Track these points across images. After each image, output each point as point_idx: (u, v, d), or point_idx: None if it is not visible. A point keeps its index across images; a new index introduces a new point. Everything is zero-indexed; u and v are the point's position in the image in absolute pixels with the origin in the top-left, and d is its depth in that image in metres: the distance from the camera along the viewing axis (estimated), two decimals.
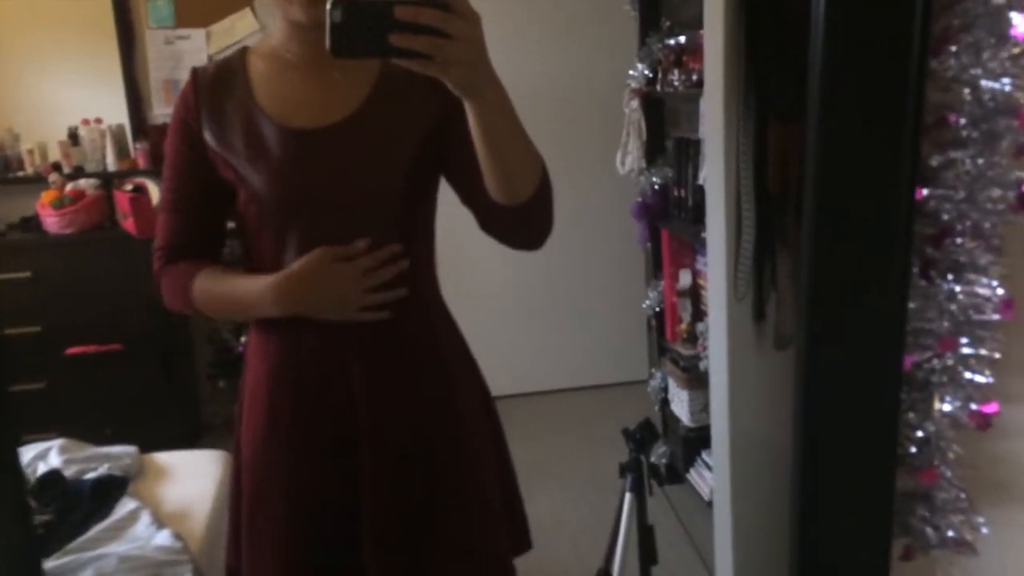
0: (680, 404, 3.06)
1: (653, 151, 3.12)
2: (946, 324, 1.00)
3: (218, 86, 1.25)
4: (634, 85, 3.05)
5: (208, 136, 1.23)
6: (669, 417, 3.20)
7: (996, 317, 0.99)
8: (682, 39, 2.87)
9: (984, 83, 0.93)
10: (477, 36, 0.91)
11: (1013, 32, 0.94)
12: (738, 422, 2.15)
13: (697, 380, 2.92)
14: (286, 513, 1.28)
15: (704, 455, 2.99)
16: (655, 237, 3.18)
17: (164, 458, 2.22)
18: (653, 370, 3.26)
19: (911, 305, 0.99)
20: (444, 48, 0.88)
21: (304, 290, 1.21)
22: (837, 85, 0.90)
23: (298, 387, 1.27)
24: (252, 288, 1.23)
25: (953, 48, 0.94)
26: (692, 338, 2.98)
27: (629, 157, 3.08)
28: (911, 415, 1.03)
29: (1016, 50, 0.93)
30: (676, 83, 2.85)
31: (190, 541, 1.79)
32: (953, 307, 0.99)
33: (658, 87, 2.97)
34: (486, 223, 1.22)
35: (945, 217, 0.98)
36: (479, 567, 1.36)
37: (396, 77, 1.22)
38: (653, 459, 2.50)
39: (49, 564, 1.67)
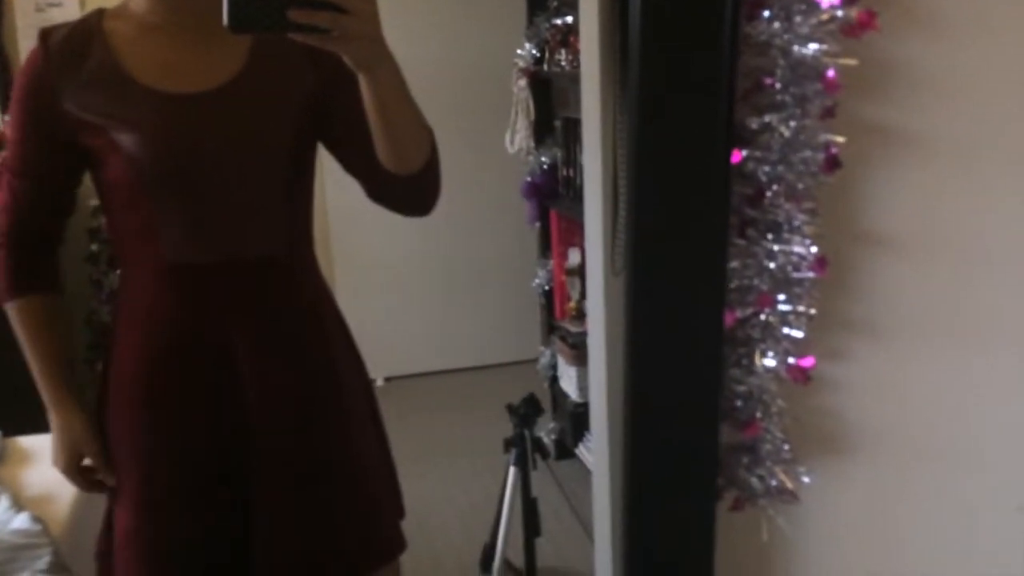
0: (568, 380, 3.11)
1: (542, 131, 3.15)
2: (765, 282, 1.05)
3: (74, 48, 1.20)
4: (522, 65, 3.07)
5: (68, 102, 1.19)
6: (558, 394, 3.25)
7: (811, 275, 1.05)
8: (569, 19, 2.89)
9: (795, 48, 0.99)
10: (373, 11, 0.93)
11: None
12: (616, 394, 2.20)
13: (585, 357, 2.96)
14: (168, 490, 1.26)
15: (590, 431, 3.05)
16: (544, 216, 3.21)
17: (28, 442, 2.13)
18: (543, 348, 3.30)
19: (732, 264, 1.04)
20: (343, 23, 0.90)
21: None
22: (655, 49, 0.93)
23: (177, 366, 1.25)
24: (49, 388, 1.32)
25: (766, 13, 0.99)
26: (580, 316, 3.03)
27: (518, 136, 3.10)
28: (735, 371, 1.09)
29: (824, 16, 0.99)
30: (563, 63, 2.88)
31: (52, 525, 1.72)
32: (771, 265, 1.04)
33: (545, 67, 2.99)
34: (375, 192, 1.24)
35: (762, 178, 1.03)
36: (370, 526, 1.37)
37: (271, 44, 1.20)
38: (541, 435, 2.53)
39: None
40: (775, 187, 1.03)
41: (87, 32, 1.21)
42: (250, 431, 1.26)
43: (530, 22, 3.08)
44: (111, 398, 1.30)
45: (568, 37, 2.89)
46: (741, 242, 1.05)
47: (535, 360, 3.35)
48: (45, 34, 1.22)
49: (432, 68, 3.77)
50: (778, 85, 1.01)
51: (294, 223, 1.30)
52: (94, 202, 3.64)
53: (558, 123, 3.12)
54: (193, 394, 1.25)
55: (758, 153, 1.02)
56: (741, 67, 1.00)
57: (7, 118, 1.29)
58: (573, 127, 2.95)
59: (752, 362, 1.07)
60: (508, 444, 2.39)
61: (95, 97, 1.18)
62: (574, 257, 3.09)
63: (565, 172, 3.05)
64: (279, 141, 1.23)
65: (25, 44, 3.53)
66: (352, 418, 1.37)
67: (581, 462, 3.10)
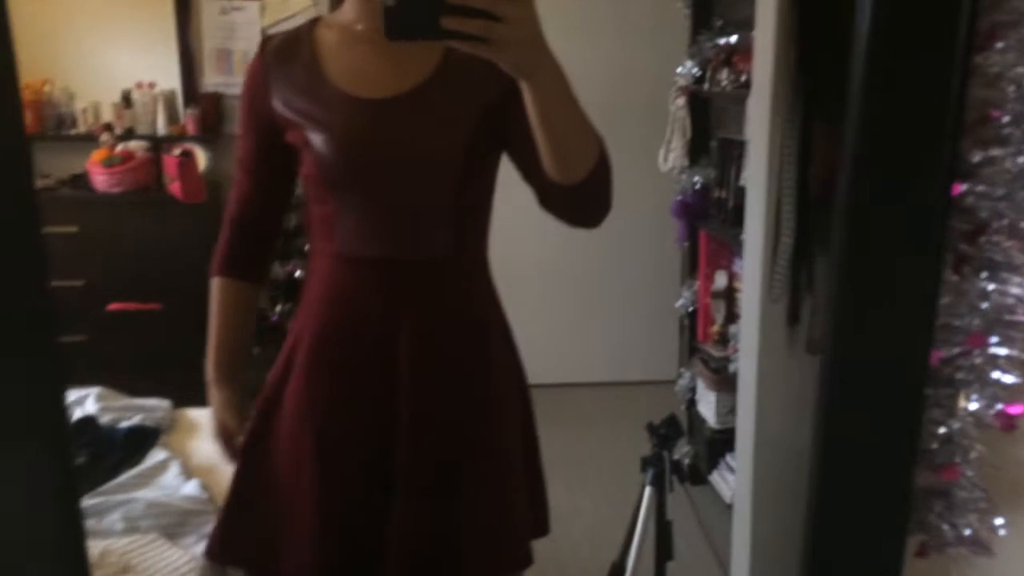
0: (707, 405, 3.05)
1: (697, 150, 3.12)
2: (976, 321, 1.00)
3: (285, 54, 1.31)
4: (681, 83, 3.05)
5: (276, 101, 1.30)
6: (695, 418, 3.20)
7: None
8: (733, 39, 2.86)
9: None
10: (529, 18, 0.92)
11: None
12: (764, 425, 2.14)
13: (725, 382, 2.91)
14: (320, 467, 1.31)
15: (728, 458, 2.99)
16: (693, 237, 3.18)
17: (196, 414, 2.27)
18: (682, 370, 3.26)
19: (943, 300, 0.99)
20: (496, 30, 0.89)
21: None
22: (879, 78, 0.91)
23: (345, 344, 1.31)
24: (215, 366, 1.48)
25: (999, 45, 0.94)
26: (723, 340, 2.98)
27: (672, 155, 3.08)
28: (936, 411, 1.03)
29: None
30: (724, 83, 2.84)
31: (216, 494, 1.83)
32: (985, 305, 0.99)
33: (706, 86, 2.96)
34: (545, 200, 1.23)
35: (982, 214, 0.97)
36: (499, 538, 1.37)
37: (462, 53, 1.24)
38: (676, 456, 2.50)
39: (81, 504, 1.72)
40: (995, 224, 0.98)
41: (299, 38, 1.32)
42: (399, 427, 1.30)
43: (693, 40, 3.06)
44: (289, 372, 1.37)
45: (731, 57, 2.85)
46: (954, 279, 1.00)
47: (672, 381, 3.31)
48: (265, 41, 1.34)
49: (591, 81, 3.78)
50: (1006, 118, 0.96)
51: (462, 228, 1.32)
52: None
53: (714, 143, 3.08)
54: (353, 382, 1.31)
55: (980, 188, 0.97)
56: (969, 98, 0.96)
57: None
58: (730, 148, 2.90)
59: (954, 404, 1.02)
60: (645, 463, 2.36)
61: (297, 97, 1.28)
62: (720, 280, 3.04)
63: (718, 193, 3.01)
64: (453, 148, 1.26)
65: (210, 45, 3.78)
66: (501, 427, 1.38)
67: (714, 489, 3.04)
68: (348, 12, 1.30)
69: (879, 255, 0.96)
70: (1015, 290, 0.99)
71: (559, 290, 4.10)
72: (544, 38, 0.96)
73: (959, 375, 1.02)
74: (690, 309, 3.19)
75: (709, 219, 3.06)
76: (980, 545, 1.07)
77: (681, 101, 3.08)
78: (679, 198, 3.15)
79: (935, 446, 1.05)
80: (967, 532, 1.06)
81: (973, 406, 1.03)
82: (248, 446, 1.39)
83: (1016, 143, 0.97)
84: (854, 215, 0.94)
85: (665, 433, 2.33)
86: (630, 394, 3.98)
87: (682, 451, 3.18)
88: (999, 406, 1.03)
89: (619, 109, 3.85)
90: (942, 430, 1.03)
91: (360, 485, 1.31)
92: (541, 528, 1.50)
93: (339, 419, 1.32)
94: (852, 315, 0.98)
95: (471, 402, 1.35)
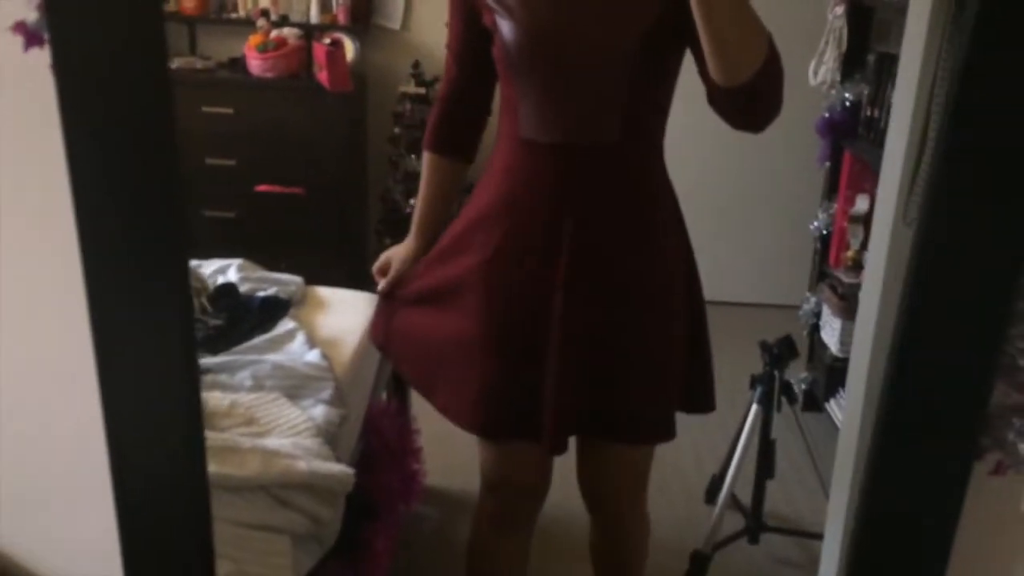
0: (831, 332, 2.96)
1: (851, 65, 2.93)
2: None
3: None
4: None
5: None
6: (817, 344, 3.11)
7: None
8: None
9: None
10: None
11: None
12: (880, 352, 2.06)
13: (853, 310, 2.79)
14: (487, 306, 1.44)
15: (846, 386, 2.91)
16: (837, 157, 3.02)
17: (325, 292, 2.41)
18: (808, 294, 3.16)
19: None
20: None
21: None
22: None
23: (516, 212, 1.42)
24: (414, 224, 1.63)
25: None
26: (857, 266, 2.86)
27: (823, 68, 2.91)
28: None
29: None
30: None
31: (335, 364, 1.95)
32: None
33: None
34: (712, 99, 1.25)
35: None
36: (647, 408, 1.48)
37: None
38: (792, 380, 2.46)
39: (216, 359, 1.89)
40: None
41: None
42: (562, 290, 1.39)
43: None
44: (460, 234, 1.51)
45: None
46: None
47: (798, 307, 3.21)
48: None
49: None
50: None
51: (635, 117, 1.37)
52: (402, 88, 3.91)
53: (872, 57, 2.88)
54: (521, 248, 1.42)
55: None
56: None
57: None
58: (888, 63, 2.71)
59: None
60: (754, 381, 2.35)
61: None
62: (862, 203, 2.89)
63: (869, 112, 2.84)
64: (629, 40, 1.30)
65: None
66: (667, 301, 1.47)
67: (830, 417, 2.98)
68: None
69: (978, 171, 0.91)
70: None
71: (691, 204, 4.01)
72: None
73: None
74: (824, 232, 3.06)
75: (856, 139, 2.90)
76: None
77: (840, 10, 2.88)
78: (825, 115, 2.99)
79: (1022, 364, 1.00)
80: None
81: None
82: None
83: None
84: (960, 131, 0.89)
85: (778, 352, 2.30)
86: (754, 316, 3.90)
87: (801, 376, 3.11)
88: None
89: (771, 14, 3.63)
90: None
91: (525, 328, 1.42)
92: (701, 402, 1.59)
93: (508, 272, 1.43)
94: (945, 220, 0.95)
95: (636, 280, 1.43)
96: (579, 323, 1.40)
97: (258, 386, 1.81)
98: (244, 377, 1.83)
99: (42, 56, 0.81)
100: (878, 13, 2.88)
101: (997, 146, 0.93)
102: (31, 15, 0.80)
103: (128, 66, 0.74)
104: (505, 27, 1.34)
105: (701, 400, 1.58)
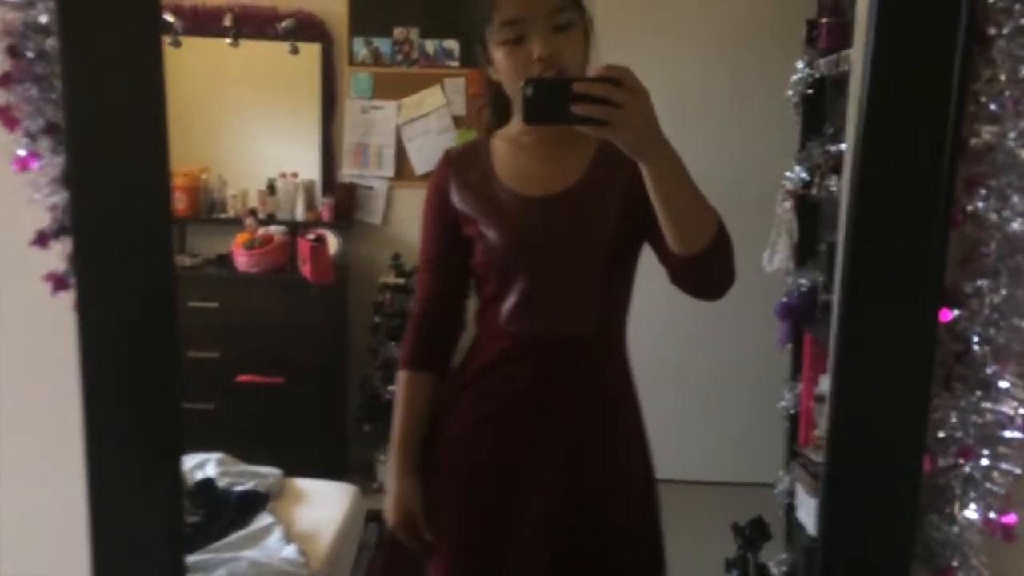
0: (806, 512, 2.97)
1: (804, 253, 3.13)
2: (970, 436, 1.04)
3: (464, 160, 1.53)
4: (789, 187, 3.09)
5: (455, 199, 1.50)
6: (794, 524, 3.12)
7: (1020, 435, 1.04)
8: (843, 146, 2.89)
9: (1011, 225, 1.01)
10: (643, 104, 1.10)
11: None
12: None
13: None
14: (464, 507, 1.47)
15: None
16: (797, 339, 3.16)
17: (303, 483, 2.43)
18: (781, 473, 3.20)
19: (937, 415, 1.05)
20: (615, 115, 1.08)
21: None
22: (872, 216, 0.99)
23: (493, 404, 1.49)
24: (398, 454, 1.53)
25: (982, 191, 1.02)
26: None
27: (776, 256, 3.11)
28: (934, 516, 1.07)
29: None
30: (833, 188, 2.87)
31: (312, 560, 1.96)
32: (978, 420, 1.03)
33: (814, 191, 3.00)
34: (674, 276, 1.38)
35: (972, 338, 1.04)
36: None
37: (610, 152, 1.40)
38: (769, 563, 2.46)
39: (192, 559, 1.89)
40: (985, 348, 1.04)
41: (477, 149, 1.54)
42: (544, 498, 1.44)
43: (803, 146, 3.11)
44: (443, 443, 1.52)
45: (841, 164, 2.88)
46: (946, 395, 1.06)
47: (771, 485, 3.24)
48: (447, 153, 1.57)
49: (702, 178, 3.87)
50: (992, 256, 1.04)
51: (606, 310, 1.49)
52: (382, 279, 4.07)
53: (823, 247, 3.08)
54: (510, 445, 1.47)
55: (967, 314, 1.05)
56: (962, 236, 1.04)
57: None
58: (837, 253, 2.90)
59: (953, 511, 1.05)
60: (729, 565, 2.35)
61: (474, 196, 1.48)
62: (824, 384, 2.99)
63: (824, 296, 3.00)
64: (602, 237, 1.43)
65: (349, 139, 4.11)
66: (629, 515, 1.52)
67: None
68: (515, 126, 1.50)
69: (872, 372, 1.03)
70: (1004, 408, 1.04)
71: (661, 384, 4.08)
72: (657, 123, 1.14)
73: (955, 483, 1.06)
74: (792, 412, 3.15)
75: (814, 322, 3.04)
76: None
77: (788, 204, 3.11)
78: (784, 300, 3.15)
79: (937, 549, 1.08)
80: None
81: (971, 515, 1.06)
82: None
83: (1001, 277, 1.04)
84: (851, 333, 1.01)
85: (750, 535, 2.33)
86: (726, 495, 3.90)
87: (780, 558, 3.09)
88: (992, 515, 1.05)
89: (729, 207, 3.85)
90: (940, 535, 1.06)
91: (494, 536, 1.46)
92: None
93: (483, 479, 1.47)
94: (848, 425, 1.05)
95: (604, 485, 1.49)
96: (550, 537, 1.45)
97: None
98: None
99: (66, 298, 0.94)
100: (824, 207, 3.11)
101: (884, 359, 1.03)
102: (61, 266, 0.93)
103: (141, 310, 0.85)
104: (491, 233, 1.44)
105: None
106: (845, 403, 1.05)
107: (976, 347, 1.03)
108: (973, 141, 1.05)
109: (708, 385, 4.10)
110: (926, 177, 0.98)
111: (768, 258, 3.12)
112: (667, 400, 4.12)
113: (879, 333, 1.01)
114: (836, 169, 2.89)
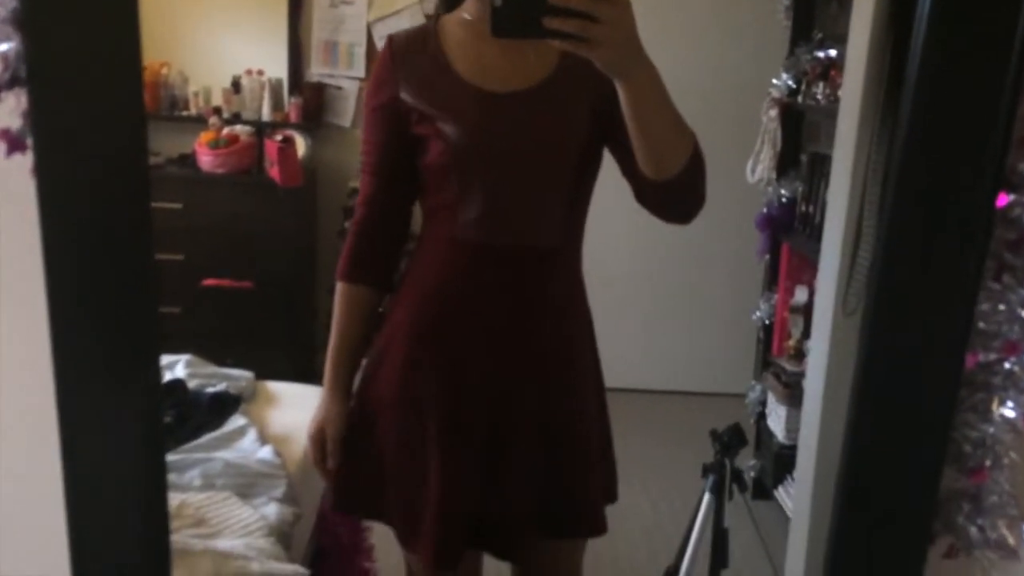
0: (777, 419, 3.02)
1: (786, 163, 3.08)
2: (1015, 330, 1.00)
3: (412, 48, 1.37)
4: (775, 94, 3.02)
5: (405, 93, 1.35)
6: (764, 432, 3.17)
7: None
8: (832, 52, 2.82)
9: None
10: (625, 19, 0.99)
11: None
12: (828, 438, 2.12)
13: (797, 397, 2.87)
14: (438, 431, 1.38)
15: (794, 474, 2.95)
16: (775, 250, 3.15)
17: (275, 387, 2.38)
18: (753, 382, 3.23)
19: (983, 307, 1.00)
20: (593, 30, 0.97)
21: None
22: (931, 90, 0.92)
23: (448, 326, 1.38)
24: (331, 369, 1.45)
25: None
26: (799, 355, 2.94)
27: (760, 167, 3.06)
28: (970, 415, 1.04)
29: None
30: (819, 96, 2.81)
31: (288, 461, 1.93)
32: (1023, 313, 0.99)
33: (800, 99, 2.93)
34: (640, 195, 1.30)
35: None
36: (583, 504, 1.47)
37: (577, 55, 1.31)
38: (740, 467, 2.49)
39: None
40: None
41: (424, 34, 1.39)
42: (498, 394, 1.38)
43: (791, 52, 3.03)
44: (385, 350, 1.43)
45: (829, 71, 2.81)
46: (996, 286, 1.01)
47: (743, 395, 3.28)
48: (390, 38, 1.40)
49: (686, 87, 3.78)
50: None
51: (571, 219, 1.41)
52: (351, 183, 3.98)
53: (804, 157, 3.04)
54: (457, 352, 1.38)
55: None
56: (1019, 114, 0.96)
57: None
58: (820, 163, 2.87)
59: (989, 409, 1.02)
60: (706, 470, 2.37)
61: (428, 89, 1.34)
62: (801, 295, 3.00)
63: (804, 207, 2.97)
64: (573, 142, 1.34)
65: (318, 36, 3.93)
66: (584, 405, 1.47)
67: (778, 505, 3.00)
68: (469, 9, 1.36)
69: (920, 259, 0.97)
70: None
71: (637, 295, 4.11)
72: (639, 40, 1.03)
73: (995, 380, 1.03)
74: (767, 322, 3.16)
75: (793, 233, 3.02)
76: (1008, 550, 1.07)
77: (774, 112, 3.05)
78: (764, 211, 3.12)
79: (968, 449, 1.05)
80: (994, 536, 1.06)
81: (1009, 413, 1.03)
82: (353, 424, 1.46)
83: None
84: (898, 218, 0.96)
85: (728, 441, 2.33)
86: (701, 404, 3.96)
87: (749, 464, 3.15)
88: None
89: (711, 117, 3.81)
90: (975, 434, 1.03)
91: (466, 456, 1.39)
92: (611, 494, 1.58)
93: (444, 403, 1.38)
94: (889, 315, 1.00)
95: (558, 382, 1.43)
96: (516, 423, 1.40)
97: (208, 485, 1.77)
98: (194, 476, 1.79)
99: (24, 161, 0.83)
100: (808, 116, 3.05)
101: (933, 246, 0.99)
102: (16, 123, 0.82)
103: (108, 171, 0.77)
104: (450, 131, 1.31)
105: (613, 493, 1.60)
106: (887, 292, 0.99)
107: None
108: None
109: (684, 295, 4.10)
110: (993, 44, 0.90)
111: (752, 168, 3.07)
112: (642, 311, 4.14)
113: (930, 216, 0.95)
114: (824, 76, 2.83)
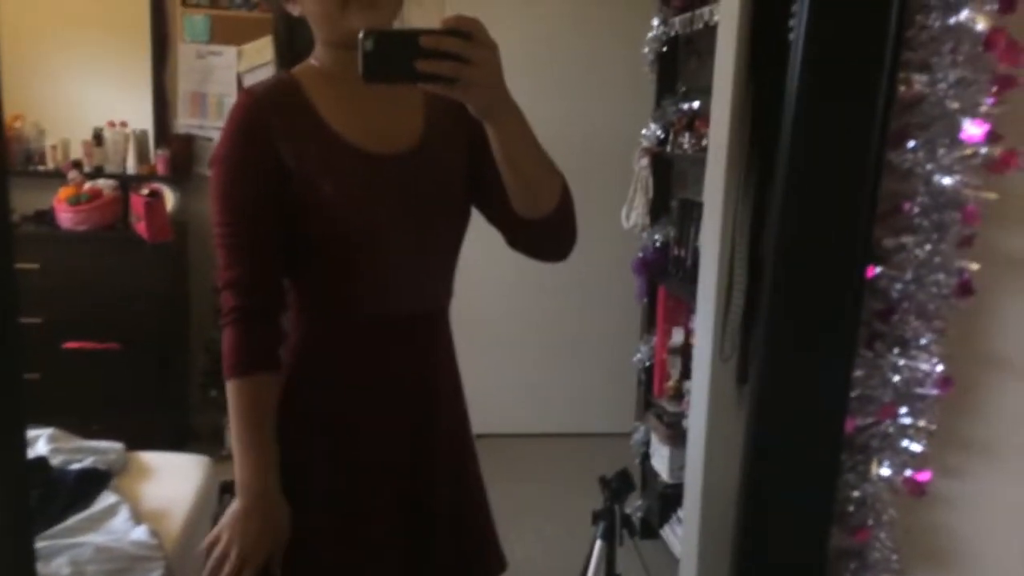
0: (660, 459, 3.09)
1: (658, 209, 3.20)
2: (888, 394, 1.07)
3: (279, 100, 1.23)
4: (645, 144, 3.14)
5: (282, 150, 1.21)
6: (648, 472, 3.23)
7: (935, 392, 1.07)
8: (696, 104, 2.96)
9: (936, 178, 1.02)
10: (494, 62, 1.00)
11: (963, 136, 1.02)
12: (711, 480, 2.19)
13: (679, 437, 2.95)
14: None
15: (680, 512, 3.02)
16: (652, 293, 3.25)
17: (149, 458, 2.26)
18: (637, 424, 3.30)
19: (857, 373, 1.07)
20: (465, 72, 0.97)
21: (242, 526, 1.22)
22: (803, 170, 0.99)
23: (364, 404, 1.31)
24: (256, 473, 1.23)
25: (911, 143, 1.03)
26: (679, 396, 3.03)
27: (634, 213, 3.16)
28: (850, 476, 1.10)
29: (968, 151, 1.02)
30: (686, 146, 2.94)
31: (165, 540, 1.83)
32: (896, 379, 1.07)
33: (668, 148, 3.06)
34: (514, 239, 1.30)
35: (894, 296, 1.06)
36: (488, 549, 1.49)
37: (437, 104, 1.29)
38: (628, 511, 2.53)
39: None
40: (906, 305, 1.06)
41: (286, 86, 1.25)
42: (414, 481, 1.34)
43: (658, 104, 3.16)
44: (296, 436, 1.29)
45: (693, 122, 2.95)
46: (868, 353, 1.07)
47: (628, 435, 3.35)
48: (249, 91, 1.25)
49: (560, 139, 3.86)
50: (916, 210, 1.04)
51: (453, 277, 1.38)
52: None
53: (675, 203, 3.16)
54: (375, 442, 1.31)
55: (892, 271, 1.05)
56: (882, 191, 1.04)
57: (222, 186, 1.24)
58: (689, 209, 2.99)
59: (868, 470, 1.08)
60: (596, 517, 2.39)
61: (307, 149, 1.21)
62: (678, 336, 3.10)
63: (676, 252, 3.09)
64: (456, 201, 1.32)
65: (185, 87, 3.82)
66: (475, 460, 1.46)
67: (665, 544, 3.06)
68: (320, 56, 1.27)
69: (801, 330, 1.03)
70: (923, 365, 1.07)
71: (517, 339, 4.14)
72: (504, 83, 1.03)
73: (873, 443, 1.09)
74: (647, 364, 3.24)
75: (668, 276, 3.13)
76: None
77: (644, 162, 3.17)
78: (639, 255, 3.22)
79: (851, 509, 1.11)
80: None
81: (885, 472, 1.09)
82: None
83: (924, 232, 1.05)
84: (778, 302, 1.01)
85: (617, 487, 2.37)
86: (585, 446, 4.01)
87: (634, 505, 3.20)
88: (908, 472, 1.10)
89: (587, 167, 3.92)
90: (856, 494, 1.09)
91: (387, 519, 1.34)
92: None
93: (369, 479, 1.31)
94: (775, 385, 1.04)
95: (465, 443, 1.44)
96: (435, 498, 1.37)
97: (78, 573, 1.65)
98: (61, 564, 1.67)
99: None
100: (677, 164, 3.18)
101: (812, 321, 1.04)
102: None
103: None
104: (335, 197, 1.20)
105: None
106: (771, 363, 1.04)
107: (897, 304, 1.04)
108: (902, 89, 1.03)
109: (565, 340, 4.16)
110: (858, 128, 0.97)
111: (626, 214, 3.17)
112: (524, 355, 4.17)
113: (807, 290, 1.00)
114: (689, 126, 2.96)
